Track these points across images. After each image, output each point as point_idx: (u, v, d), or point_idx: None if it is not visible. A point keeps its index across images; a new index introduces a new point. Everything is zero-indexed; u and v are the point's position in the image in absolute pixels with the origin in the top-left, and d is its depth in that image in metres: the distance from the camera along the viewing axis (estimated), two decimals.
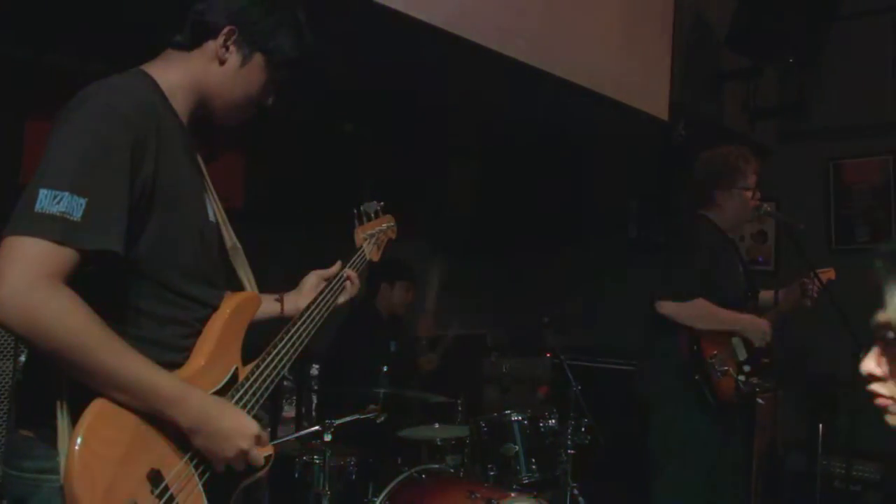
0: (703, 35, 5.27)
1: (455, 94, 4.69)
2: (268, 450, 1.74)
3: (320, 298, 2.11)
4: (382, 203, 2.55)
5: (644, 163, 6.05)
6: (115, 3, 3.34)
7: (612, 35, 4.51)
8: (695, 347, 3.43)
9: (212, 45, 1.79)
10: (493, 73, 4.13)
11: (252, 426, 1.66)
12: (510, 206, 6.48)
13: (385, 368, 4.23)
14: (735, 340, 3.55)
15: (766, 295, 3.87)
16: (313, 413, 4.59)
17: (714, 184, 3.67)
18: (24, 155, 3.60)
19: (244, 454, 1.65)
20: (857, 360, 3.46)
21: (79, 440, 1.42)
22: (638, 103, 4.66)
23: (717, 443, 3.50)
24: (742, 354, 3.51)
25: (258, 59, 1.83)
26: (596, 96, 4.38)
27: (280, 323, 1.98)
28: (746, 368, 3.48)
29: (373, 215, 2.51)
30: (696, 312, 3.43)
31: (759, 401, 3.66)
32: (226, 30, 1.78)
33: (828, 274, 3.73)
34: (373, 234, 2.48)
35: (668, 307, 3.44)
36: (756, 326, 3.54)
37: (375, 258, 2.47)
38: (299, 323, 1.98)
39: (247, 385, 1.77)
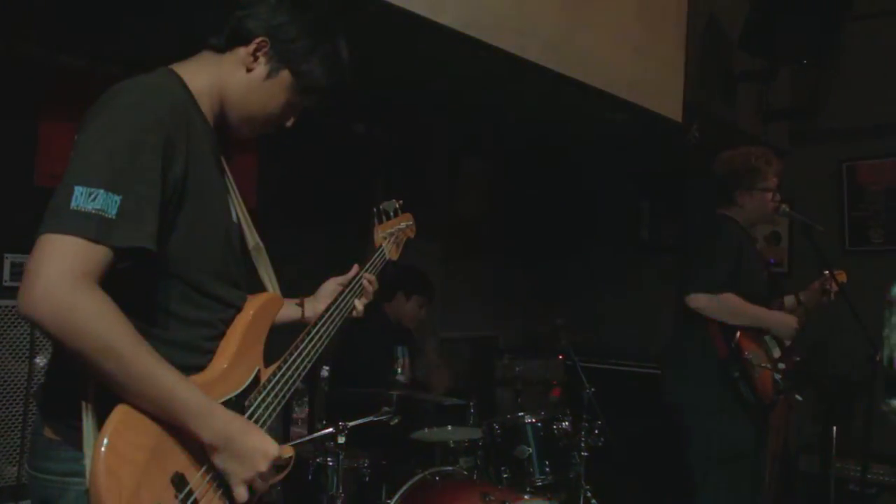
0: (716, 36, 5.25)
1: (468, 96, 4.68)
2: (289, 451, 1.74)
3: (339, 300, 2.10)
4: (402, 201, 2.53)
5: (657, 164, 6.04)
6: (129, 5, 3.35)
7: (625, 36, 4.49)
8: (732, 345, 3.41)
9: (242, 52, 1.78)
10: (506, 74, 4.12)
11: (273, 449, 1.64)
12: (523, 207, 6.47)
13: (398, 371, 4.22)
14: (768, 338, 3.53)
15: (788, 300, 3.86)
16: (324, 415, 4.58)
17: (735, 184, 3.66)
18: (38, 155, 3.60)
19: (262, 476, 1.63)
20: (872, 362, 3.44)
21: (104, 444, 1.41)
22: (651, 104, 4.64)
23: (757, 443, 3.48)
24: (776, 352, 3.50)
25: (285, 76, 1.81)
26: (610, 97, 4.37)
27: (299, 327, 1.98)
28: (781, 366, 3.46)
29: (392, 214, 2.50)
30: (727, 306, 3.40)
31: (798, 397, 3.65)
32: (258, 39, 1.77)
33: (841, 276, 3.74)
34: (392, 233, 2.47)
35: (698, 300, 3.41)
36: (785, 322, 3.53)
37: (395, 257, 2.46)
38: (319, 325, 1.98)
39: (269, 387, 1.77)
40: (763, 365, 3.41)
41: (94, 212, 1.42)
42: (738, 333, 3.42)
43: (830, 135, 5.74)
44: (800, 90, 5.80)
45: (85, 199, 1.42)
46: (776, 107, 5.64)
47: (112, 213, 1.44)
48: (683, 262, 3.71)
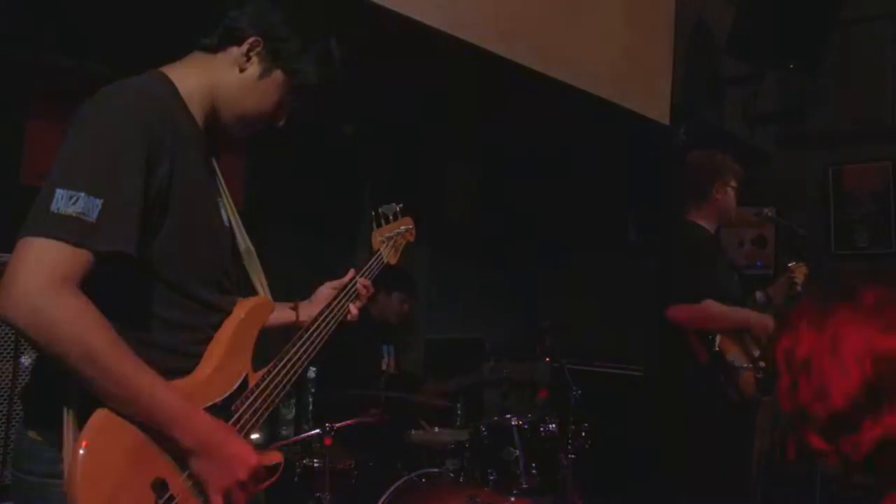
0: (704, 40, 5.28)
1: (455, 97, 4.68)
2: (277, 457, 1.73)
3: (333, 304, 2.08)
4: (402, 204, 2.51)
5: (644, 167, 6.05)
6: (116, 4, 3.34)
7: (613, 39, 4.51)
8: (714, 349, 3.43)
9: (235, 52, 1.76)
10: (494, 76, 4.12)
11: (253, 458, 1.61)
12: (510, 209, 6.47)
13: (383, 369, 4.22)
14: (746, 338, 3.56)
15: (759, 296, 3.90)
16: (310, 416, 4.58)
17: (715, 177, 3.70)
18: (25, 155, 3.59)
19: (241, 484, 1.60)
20: None
21: (82, 449, 1.39)
22: (639, 107, 4.65)
23: (743, 444, 3.50)
24: (756, 351, 3.52)
25: (278, 75, 1.80)
26: (597, 100, 4.38)
27: (293, 331, 1.96)
28: (762, 364, 3.48)
29: (391, 217, 2.47)
30: (708, 314, 3.43)
31: (765, 397, 3.67)
32: (251, 39, 1.76)
33: (801, 269, 3.79)
34: (391, 237, 2.44)
35: (679, 312, 3.43)
36: (762, 323, 3.57)
37: (393, 261, 2.43)
38: (311, 330, 1.96)
39: (257, 392, 1.75)
40: (745, 366, 3.43)
41: (74, 215, 1.41)
42: (718, 338, 3.45)
43: (816, 139, 5.78)
44: (787, 94, 5.84)
45: (66, 202, 1.41)
46: (763, 111, 5.68)
47: (93, 216, 1.42)
48: (660, 273, 3.74)
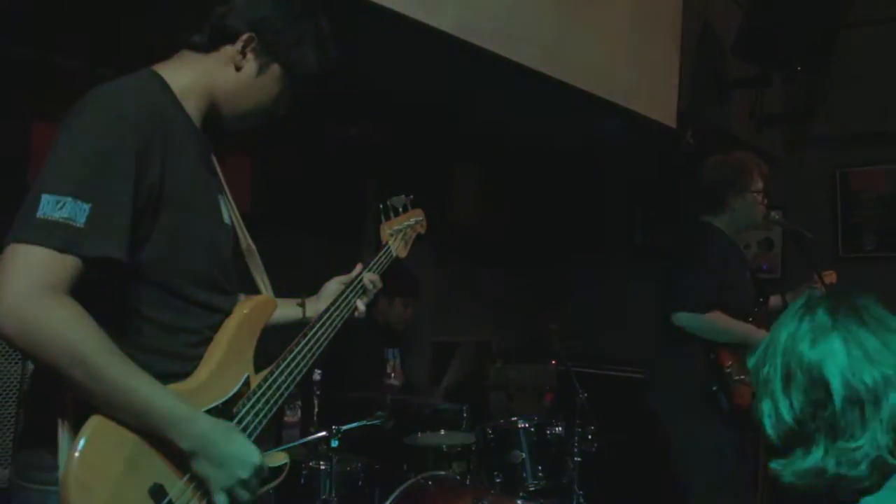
0: (711, 43, 5.26)
1: (462, 100, 4.68)
2: (283, 457, 1.71)
3: (339, 301, 2.05)
4: (412, 196, 2.47)
5: (650, 170, 6.04)
6: (122, 5, 3.34)
7: (620, 42, 4.50)
8: (712, 357, 3.42)
9: (229, 50, 1.73)
10: (500, 78, 4.12)
11: (255, 456, 1.58)
12: (516, 212, 6.46)
13: (391, 377, 4.21)
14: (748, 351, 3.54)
15: (774, 300, 3.87)
16: (315, 418, 4.58)
17: (728, 187, 3.67)
18: (31, 156, 3.59)
19: (244, 484, 1.57)
20: None
21: (76, 456, 1.38)
22: (646, 110, 4.64)
23: (735, 453, 3.49)
24: None
25: (275, 69, 1.78)
26: (604, 103, 4.37)
27: (301, 327, 1.93)
28: None
29: (400, 210, 2.43)
30: (713, 325, 3.41)
31: None
32: (245, 36, 1.72)
33: (830, 277, 3.76)
34: (400, 230, 2.40)
35: (684, 319, 3.41)
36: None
37: (403, 255, 2.39)
38: (316, 327, 1.92)
39: (259, 393, 1.72)
40: (742, 378, 3.41)
41: (61, 220, 1.38)
42: (717, 347, 3.44)
43: (824, 142, 5.77)
44: (794, 97, 5.83)
45: (52, 207, 1.38)
46: (770, 113, 5.67)
47: (80, 221, 1.40)
48: (668, 274, 3.71)
